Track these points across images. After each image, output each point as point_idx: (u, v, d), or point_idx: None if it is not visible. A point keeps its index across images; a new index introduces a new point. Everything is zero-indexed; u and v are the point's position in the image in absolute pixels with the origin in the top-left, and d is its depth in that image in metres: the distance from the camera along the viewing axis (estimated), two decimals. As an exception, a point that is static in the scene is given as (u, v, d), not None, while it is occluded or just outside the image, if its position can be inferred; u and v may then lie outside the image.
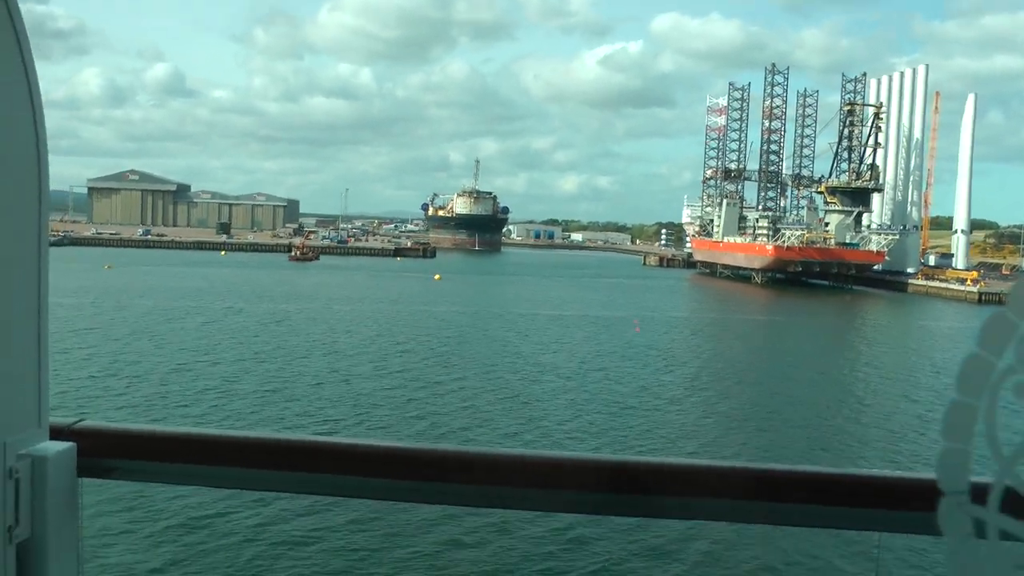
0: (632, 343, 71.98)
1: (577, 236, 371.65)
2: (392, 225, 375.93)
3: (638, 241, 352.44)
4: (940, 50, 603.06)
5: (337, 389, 47.94)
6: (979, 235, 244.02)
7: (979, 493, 1.40)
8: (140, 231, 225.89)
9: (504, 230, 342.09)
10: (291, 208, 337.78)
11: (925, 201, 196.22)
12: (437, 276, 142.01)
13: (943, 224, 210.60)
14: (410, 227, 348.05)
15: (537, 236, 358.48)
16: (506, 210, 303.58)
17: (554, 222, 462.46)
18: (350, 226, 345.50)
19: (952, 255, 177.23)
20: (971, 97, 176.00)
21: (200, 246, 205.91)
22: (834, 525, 2.40)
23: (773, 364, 65.40)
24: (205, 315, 78.43)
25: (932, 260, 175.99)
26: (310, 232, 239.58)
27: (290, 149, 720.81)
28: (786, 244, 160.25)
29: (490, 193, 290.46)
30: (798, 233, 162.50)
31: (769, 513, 2.31)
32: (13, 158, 2.29)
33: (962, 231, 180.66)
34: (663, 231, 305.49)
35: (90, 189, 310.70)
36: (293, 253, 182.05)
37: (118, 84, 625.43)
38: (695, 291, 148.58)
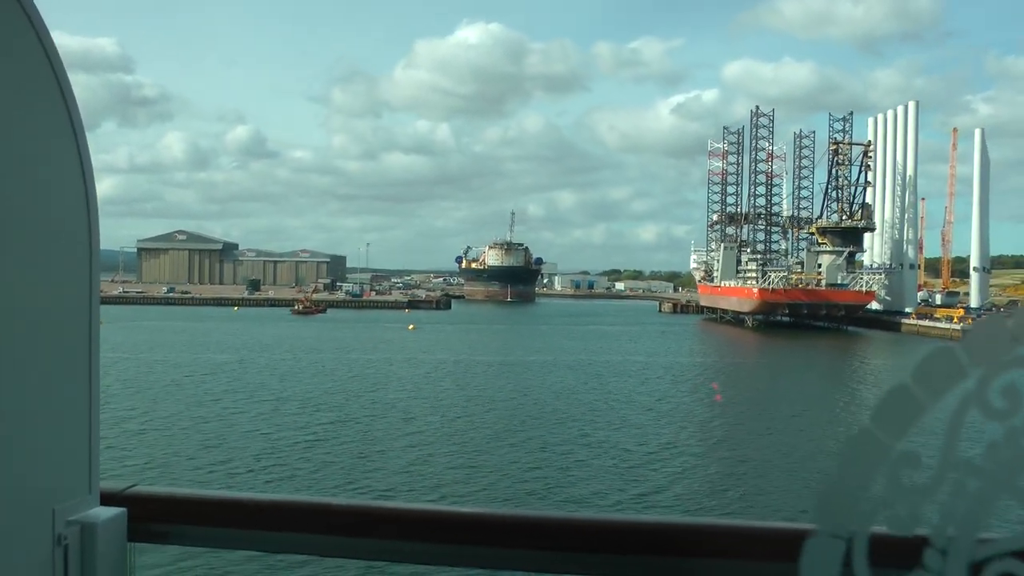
0: (548, 391, 67.88)
1: (620, 285, 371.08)
2: (442, 279, 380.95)
3: (681, 288, 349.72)
4: (1014, 85, 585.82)
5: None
6: None
7: None
8: (165, 289, 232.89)
9: (546, 280, 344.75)
10: (335, 264, 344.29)
11: (943, 239, 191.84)
12: (411, 326, 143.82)
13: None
14: (459, 279, 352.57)
15: (577, 286, 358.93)
16: (540, 261, 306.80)
17: (615, 272, 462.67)
18: (398, 280, 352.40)
19: (957, 293, 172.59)
20: (978, 132, 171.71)
21: (219, 302, 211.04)
22: None
23: (740, 410, 60.92)
24: (136, 367, 79.43)
25: (939, 299, 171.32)
26: (317, 286, 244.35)
27: (370, 206, 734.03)
28: (771, 286, 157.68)
29: (521, 245, 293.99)
30: (782, 275, 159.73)
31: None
32: (64, 221, 2.30)
33: (975, 269, 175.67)
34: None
35: (139, 250, 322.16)
36: (295, 307, 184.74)
37: (201, 147, 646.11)
38: (679, 335, 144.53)
